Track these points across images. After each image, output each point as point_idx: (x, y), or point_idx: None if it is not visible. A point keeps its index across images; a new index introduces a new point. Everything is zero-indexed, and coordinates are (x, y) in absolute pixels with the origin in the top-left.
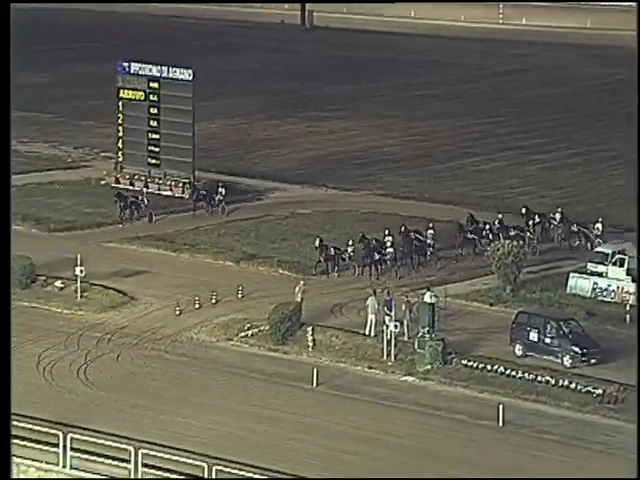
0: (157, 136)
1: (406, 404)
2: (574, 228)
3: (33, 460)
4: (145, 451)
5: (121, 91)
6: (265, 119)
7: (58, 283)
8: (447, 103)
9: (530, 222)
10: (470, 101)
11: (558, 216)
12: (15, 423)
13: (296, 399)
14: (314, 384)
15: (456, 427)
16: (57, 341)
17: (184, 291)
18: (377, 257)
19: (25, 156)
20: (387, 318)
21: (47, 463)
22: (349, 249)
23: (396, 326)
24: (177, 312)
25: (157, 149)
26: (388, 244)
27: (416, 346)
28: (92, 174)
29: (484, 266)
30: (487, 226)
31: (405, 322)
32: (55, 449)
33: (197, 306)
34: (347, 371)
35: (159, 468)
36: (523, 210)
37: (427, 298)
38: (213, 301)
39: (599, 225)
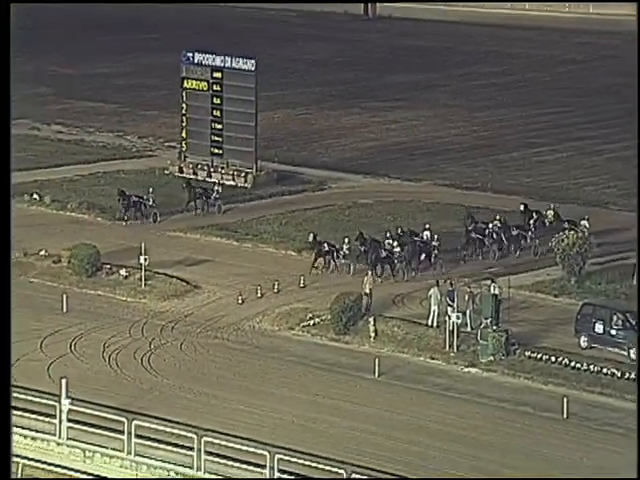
0: (220, 126)
1: (468, 395)
2: (565, 225)
3: (99, 447)
4: (208, 439)
5: (185, 81)
6: (327, 109)
7: (123, 271)
8: (511, 93)
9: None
10: (534, 91)
11: (551, 213)
12: (81, 410)
13: (357, 389)
14: (376, 374)
15: (519, 419)
16: (122, 329)
17: (246, 280)
18: (383, 255)
19: (91, 145)
20: (449, 309)
21: (113, 449)
22: (344, 247)
23: (458, 317)
24: (239, 301)
25: (220, 139)
26: (387, 244)
27: (479, 337)
28: (156, 163)
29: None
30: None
31: (468, 313)
32: (120, 436)
33: (259, 295)
34: (409, 361)
35: (222, 456)
36: (521, 207)
37: (490, 289)
38: (275, 290)
39: (585, 222)
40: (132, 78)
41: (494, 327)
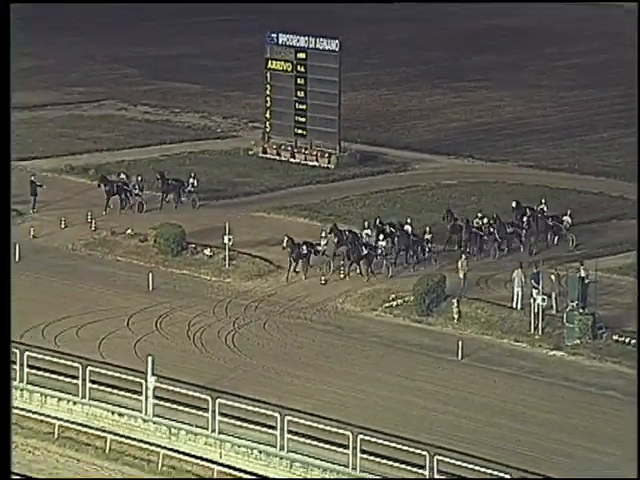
0: (304, 107)
1: (553, 379)
2: (549, 222)
3: (184, 424)
4: (290, 418)
5: (269, 62)
6: (411, 90)
7: (207, 251)
8: (598, 73)
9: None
10: (622, 70)
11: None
12: (167, 387)
13: (440, 370)
14: (459, 356)
15: (605, 403)
16: (206, 308)
17: (329, 261)
18: (365, 252)
19: (176, 126)
20: (534, 291)
21: (198, 427)
22: (322, 242)
23: (544, 299)
24: (322, 281)
25: (303, 120)
26: (366, 236)
27: (565, 320)
28: (240, 144)
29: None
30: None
31: (553, 295)
32: (204, 414)
33: (342, 276)
34: (493, 344)
35: (304, 435)
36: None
37: (577, 271)
38: (357, 271)
39: (567, 218)
40: (217, 59)
41: (580, 310)
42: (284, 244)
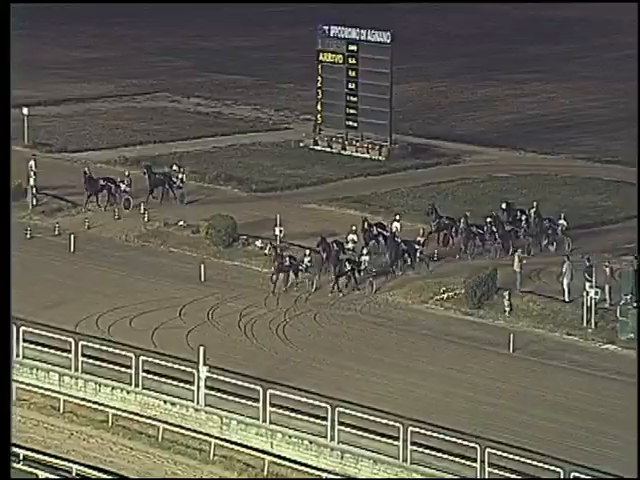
0: (355, 99)
1: (606, 372)
2: (545, 223)
3: (235, 413)
4: (341, 409)
5: (321, 54)
6: (463, 82)
7: (258, 243)
8: None
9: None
10: None
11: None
12: (217, 377)
13: (492, 364)
14: (510, 349)
15: None
16: (257, 299)
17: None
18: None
19: (229, 118)
20: (587, 284)
21: (249, 417)
22: (305, 259)
23: (597, 293)
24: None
25: (355, 112)
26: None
27: (618, 314)
28: (292, 136)
29: None
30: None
31: (607, 289)
32: (255, 404)
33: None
34: (545, 337)
35: (354, 427)
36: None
37: (631, 265)
38: (408, 263)
39: (562, 221)
40: (268, 51)
41: (634, 303)
42: (266, 252)
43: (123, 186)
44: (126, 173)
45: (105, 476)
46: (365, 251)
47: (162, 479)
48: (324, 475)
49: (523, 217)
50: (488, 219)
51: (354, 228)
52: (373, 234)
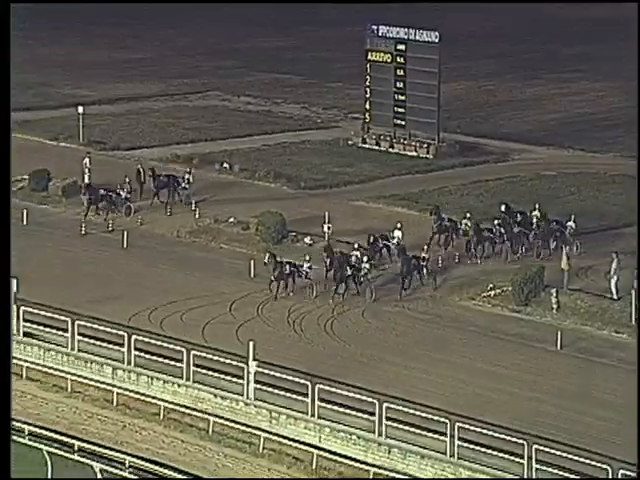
0: (403, 97)
1: None
2: (554, 226)
3: (284, 408)
4: (389, 405)
5: (369, 53)
6: (510, 81)
7: (307, 239)
8: None
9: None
10: None
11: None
12: (267, 372)
13: (539, 360)
14: (558, 346)
15: None
16: (306, 295)
17: (426, 249)
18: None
19: (278, 117)
20: (635, 282)
21: (297, 412)
22: (305, 265)
23: None
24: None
25: (403, 110)
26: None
27: None
28: (340, 134)
29: None
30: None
31: None
32: (304, 399)
33: (439, 265)
34: (592, 335)
35: (402, 422)
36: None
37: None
38: (456, 261)
39: (571, 223)
40: (317, 50)
41: None
42: (265, 260)
43: (183, 183)
44: (187, 170)
45: (179, 476)
46: (365, 259)
47: (235, 479)
48: (372, 470)
49: (534, 220)
50: (496, 221)
51: (399, 225)
52: (379, 247)
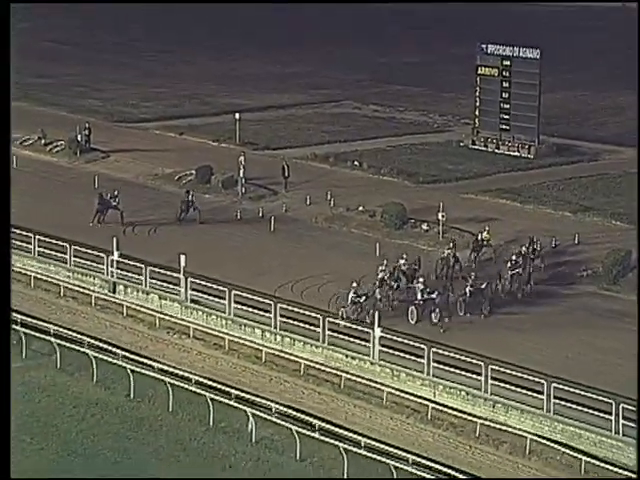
0: (508, 106)
1: None
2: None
3: (404, 367)
4: (495, 367)
5: (479, 68)
6: (603, 90)
7: (424, 226)
8: None
9: None
10: None
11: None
12: (389, 336)
13: (626, 333)
14: None
15: None
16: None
17: (524, 235)
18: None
19: (401, 122)
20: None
21: (415, 370)
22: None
23: None
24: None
25: (507, 117)
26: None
27: None
28: (453, 137)
29: None
30: None
31: None
32: (420, 360)
33: (539, 249)
34: None
35: (505, 382)
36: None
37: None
38: (552, 245)
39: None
40: (435, 66)
41: None
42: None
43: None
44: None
45: (461, 476)
46: (422, 279)
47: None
48: (479, 422)
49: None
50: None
51: (421, 279)
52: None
